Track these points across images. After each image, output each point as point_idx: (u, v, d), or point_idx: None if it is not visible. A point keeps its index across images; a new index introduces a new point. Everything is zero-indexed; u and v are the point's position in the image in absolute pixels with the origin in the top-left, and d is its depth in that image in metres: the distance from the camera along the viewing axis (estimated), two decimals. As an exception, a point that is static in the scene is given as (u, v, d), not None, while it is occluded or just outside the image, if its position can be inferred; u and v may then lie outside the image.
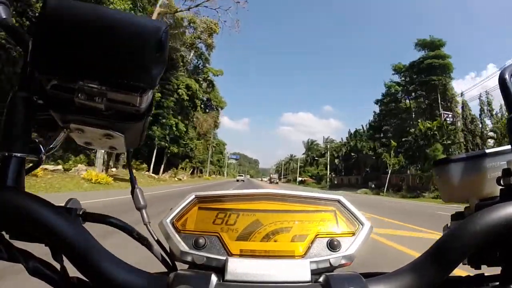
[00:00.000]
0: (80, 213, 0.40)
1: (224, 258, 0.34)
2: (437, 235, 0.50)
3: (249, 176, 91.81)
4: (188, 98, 32.66)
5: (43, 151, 0.34)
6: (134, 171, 0.49)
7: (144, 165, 29.47)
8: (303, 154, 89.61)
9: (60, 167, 14.26)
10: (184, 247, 0.35)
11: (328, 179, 57.20)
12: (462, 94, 37.18)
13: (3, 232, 0.33)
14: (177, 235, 0.36)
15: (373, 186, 39.78)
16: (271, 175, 79.36)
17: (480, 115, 34.88)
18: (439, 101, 36.27)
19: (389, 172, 35.21)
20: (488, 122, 34.43)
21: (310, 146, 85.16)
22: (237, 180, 55.80)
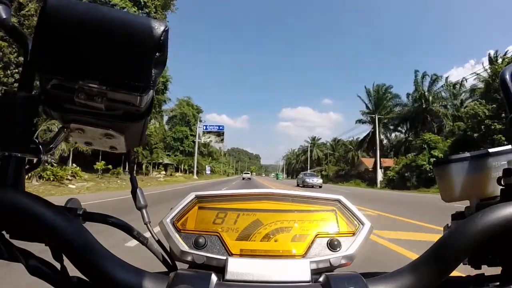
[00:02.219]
0: (80, 212, 0.40)
1: (224, 258, 0.34)
2: None
3: (249, 173, 76.37)
4: None
5: (43, 151, 0.34)
6: None
7: None
8: (359, 123, 40.82)
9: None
10: (184, 246, 0.35)
11: None
12: None
13: (4, 232, 0.33)
14: (177, 235, 0.36)
15: None
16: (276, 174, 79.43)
17: None
18: None
19: None
20: None
21: (383, 94, 37.87)
22: (243, 178, 49.72)
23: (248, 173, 68.99)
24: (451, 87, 31.16)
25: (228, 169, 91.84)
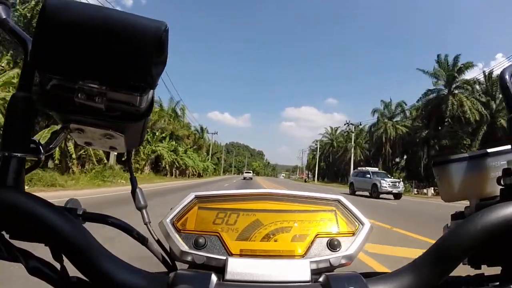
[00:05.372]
0: (80, 213, 0.40)
1: (224, 258, 0.34)
2: None
3: (251, 172, 66.90)
4: None
5: (42, 151, 0.34)
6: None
7: None
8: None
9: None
10: (184, 247, 0.35)
11: None
12: None
13: (3, 232, 0.33)
14: (177, 235, 0.36)
15: None
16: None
17: None
18: None
19: None
20: None
21: None
22: (244, 178, 46.81)
23: (250, 172, 62.82)
24: None
25: (201, 162, 44.29)
